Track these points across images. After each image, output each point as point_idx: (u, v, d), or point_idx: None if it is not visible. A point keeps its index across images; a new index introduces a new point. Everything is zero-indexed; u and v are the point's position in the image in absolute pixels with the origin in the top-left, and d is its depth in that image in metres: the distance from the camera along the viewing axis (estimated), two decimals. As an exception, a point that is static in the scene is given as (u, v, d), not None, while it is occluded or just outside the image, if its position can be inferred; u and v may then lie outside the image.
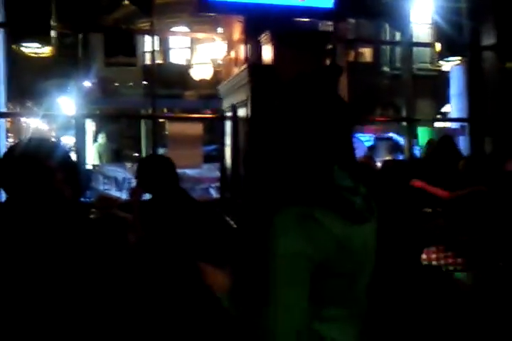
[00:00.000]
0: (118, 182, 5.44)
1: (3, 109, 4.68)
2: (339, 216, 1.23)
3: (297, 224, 1.20)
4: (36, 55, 4.35)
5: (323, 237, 1.19)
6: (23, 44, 4.26)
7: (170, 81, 12.54)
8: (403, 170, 4.24)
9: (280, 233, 1.20)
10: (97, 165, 7.69)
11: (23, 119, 12.83)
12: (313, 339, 1.25)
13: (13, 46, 4.34)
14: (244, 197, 3.71)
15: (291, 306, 1.17)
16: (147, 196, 2.93)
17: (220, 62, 5.98)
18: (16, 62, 5.65)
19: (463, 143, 5.50)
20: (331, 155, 1.29)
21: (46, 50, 4.34)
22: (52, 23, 4.33)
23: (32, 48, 4.29)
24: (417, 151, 5.65)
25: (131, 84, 13.77)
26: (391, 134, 9.79)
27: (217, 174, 5.42)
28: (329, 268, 1.21)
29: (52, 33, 4.35)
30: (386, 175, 3.55)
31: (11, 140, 10.08)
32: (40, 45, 4.28)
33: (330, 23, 5.46)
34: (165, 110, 12.16)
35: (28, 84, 11.53)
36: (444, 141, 5.00)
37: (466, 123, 5.65)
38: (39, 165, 1.60)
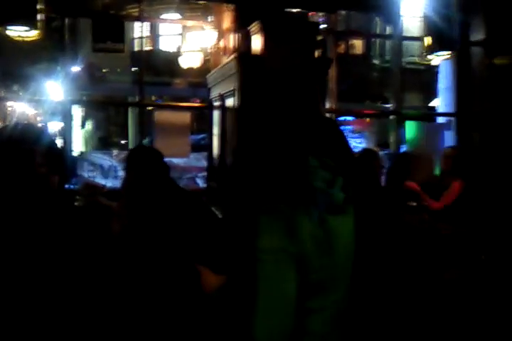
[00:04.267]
0: (104, 170, 5.40)
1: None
2: (317, 210, 1.25)
3: (272, 222, 1.23)
4: (22, 39, 4.27)
5: (302, 234, 1.22)
6: (9, 27, 4.18)
7: (159, 68, 12.44)
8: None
9: (264, 232, 1.23)
10: (83, 152, 7.62)
11: (9, 104, 12.65)
12: (296, 331, 1.27)
13: (-1, 29, 4.27)
14: (230, 187, 3.71)
15: (279, 300, 1.19)
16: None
17: (210, 51, 5.94)
18: (2, 45, 5.56)
19: (449, 138, 5.53)
20: (302, 147, 1.32)
21: (33, 34, 4.26)
22: (39, 6, 4.25)
23: (18, 31, 4.22)
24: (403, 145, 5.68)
25: (119, 70, 13.62)
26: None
27: (205, 163, 5.40)
28: (309, 262, 1.23)
29: (40, 16, 4.27)
30: (368, 165, 3.57)
31: (-5, 124, 9.95)
32: (26, 29, 4.21)
33: (321, 14, 5.44)
34: (153, 98, 12.07)
35: (15, 67, 11.34)
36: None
37: (453, 118, 5.68)
38: (24, 151, 1.58)
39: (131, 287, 2.39)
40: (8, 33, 4.20)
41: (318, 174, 1.31)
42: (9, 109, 12.97)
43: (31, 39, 4.30)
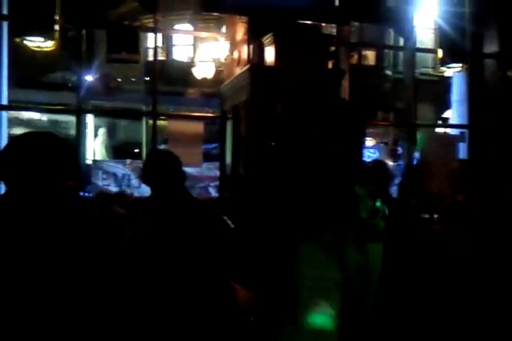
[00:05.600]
0: (117, 178, 5.44)
1: (6, 102, 4.69)
2: (362, 240, 1.28)
3: (323, 252, 1.24)
4: (39, 49, 4.35)
5: (347, 262, 1.24)
6: (27, 37, 4.27)
7: (172, 78, 12.53)
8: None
9: (312, 260, 1.24)
10: (96, 161, 7.69)
11: (25, 112, 12.79)
12: None
13: (16, 39, 4.35)
14: (245, 199, 3.73)
15: (323, 332, 1.20)
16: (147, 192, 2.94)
17: (223, 61, 6.00)
18: (19, 54, 5.66)
19: (462, 150, 5.51)
20: (350, 174, 1.31)
21: (49, 44, 4.35)
22: (56, 17, 4.33)
23: (35, 42, 4.30)
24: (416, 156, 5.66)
25: (133, 79, 13.75)
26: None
27: (217, 173, 5.43)
28: (351, 289, 1.25)
29: (56, 28, 4.35)
30: (378, 177, 3.57)
31: (12, 132, 10.07)
32: (43, 39, 4.29)
33: (333, 25, 5.47)
34: (166, 107, 12.14)
35: (31, 76, 11.51)
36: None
37: (466, 130, 5.66)
38: (40, 158, 1.61)
39: (142, 292, 2.40)
40: (26, 43, 4.29)
41: (364, 203, 1.33)
42: (25, 117, 13.14)
43: (48, 49, 4.38)
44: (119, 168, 5.54)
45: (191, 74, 11.79)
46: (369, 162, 4.29)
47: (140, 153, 11.80)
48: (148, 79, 12.75)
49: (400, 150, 11.24)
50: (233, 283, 1.56)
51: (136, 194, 4.99)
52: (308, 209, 1.30)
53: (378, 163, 4.17)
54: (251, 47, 4.27)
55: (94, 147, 10.63)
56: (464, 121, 5.71)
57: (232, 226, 3.23)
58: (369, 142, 11.26)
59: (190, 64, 13.20)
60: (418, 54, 6.21)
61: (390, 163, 7.39)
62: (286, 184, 1.33)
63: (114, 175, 5.48)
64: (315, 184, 1.29)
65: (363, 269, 1.28)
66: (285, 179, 1.33)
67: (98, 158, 9.93)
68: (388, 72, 14.32)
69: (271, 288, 1.35)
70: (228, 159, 4.63)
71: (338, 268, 1.23)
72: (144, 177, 2.82)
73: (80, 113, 4.94)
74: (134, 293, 2.14)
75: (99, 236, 1.67)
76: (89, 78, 10.92)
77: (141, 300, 2.32)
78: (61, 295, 1.51)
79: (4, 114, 4.76)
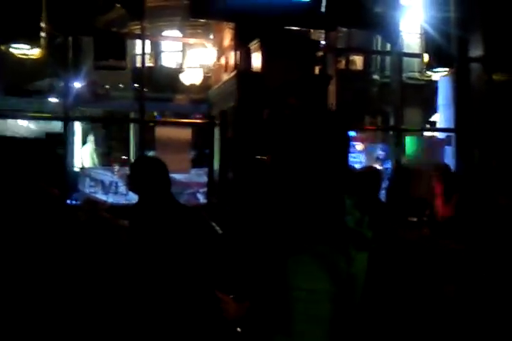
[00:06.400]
0: (105, 186, 5.41)
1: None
2: (351, 250, 1.30)
3: (315, 263, 1.25)
4: (25, 57, 4.33)
5: (337, 272, 1.26)
6: (13, 45, 4.25)
7: (160, 84, 12.52)
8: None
9: (305, 272, 1.24)
10: (84, 168, 7.65)
11: (11, 119, 12.72)
12: None
13: (2, 47, 4.32)
14: (233, 205, 3.72)
15: (318, 338, 1.21)
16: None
17: (211, 67, 6.01)
18: (5, 61, 5.63)
19: (449, 154, 5.55)
20: (339, 186, 1.33)
21: (36, 52, 4.32)
22: (42, 24, 4.31)
23: (21, 49, 4.28)
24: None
25: (121, 86, 13.71)
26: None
27: (205, 179, 5.41)
28: (339, 296, 1.26)
29: (42, 35, 4.33)
30: (370, 184, 3.57)
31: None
32: (29, 47, 4.27)
33: (321, 31, 5.50)
34: (155, 113, 12.13)
35: (17, 84, 11.43)
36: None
37: (452, 134, 5.71)
38: (22, 164, 1.60)
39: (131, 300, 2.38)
40: (12, 50, 4.26)
41: (352, 214, 1.35)
42: (12, 124, 13.05)
43: (34, 56, 4.35)
44: (107, 175, 5.51)
45: (179, 80, 11.79)
46: (361, 168, 4.26)
47: (128, 159, 11.75)
48: (136, 85, 12.71)
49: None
50: (221, 294, 1.56)
51: (123, 201, 4.97)
52: (299, 220, 1.31)
53: (371, 170, 4.12)
54: (238, 53, 4.28)
55: (83, 154, 10.57)
56: (451, 125, 5.76)
57: (220, 232, 3.22)
58: (357, 147, 11.30)
59: (179, 70, 13.20)
60: (405, 58, 6.27)
61: (379, 168, 7.40)
62: (276, 193, 1.34)
63: (102, 182, 5.44)
64: (305, 192, 1.30)
65: (351, 278, 1.30)
66: (274, 188, 1.34)
67: (88, 165, 9.87)
68: (376, 77, 14.39)
69: (261, 299, 1.35)
70: (216, 165, 4.62)
71: (330, 279, 1.24)
72: (130, 184, 2.80)
73: (67, 120, 4.91)
74: (119, 300, 2.12)
75: (85, 242, 1.66)
76: (76, 85, 10.87)
77: (127, 308, 2.30)
78: (39, 302, 1.49)
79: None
